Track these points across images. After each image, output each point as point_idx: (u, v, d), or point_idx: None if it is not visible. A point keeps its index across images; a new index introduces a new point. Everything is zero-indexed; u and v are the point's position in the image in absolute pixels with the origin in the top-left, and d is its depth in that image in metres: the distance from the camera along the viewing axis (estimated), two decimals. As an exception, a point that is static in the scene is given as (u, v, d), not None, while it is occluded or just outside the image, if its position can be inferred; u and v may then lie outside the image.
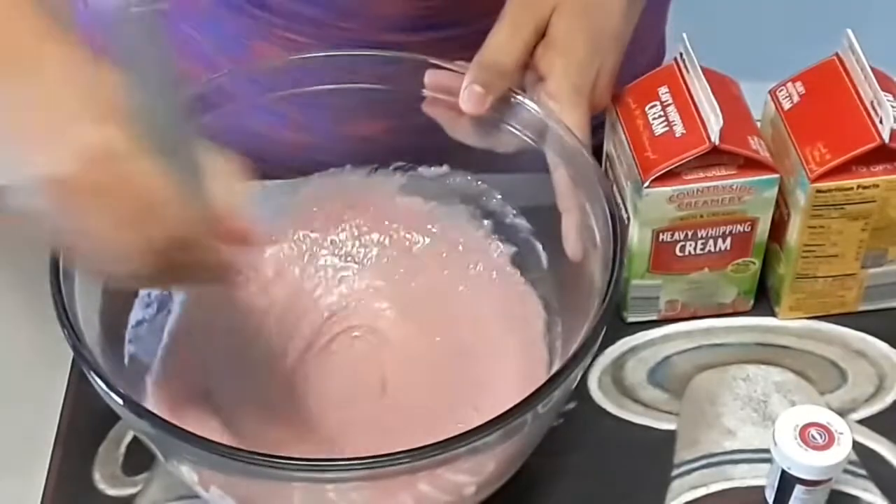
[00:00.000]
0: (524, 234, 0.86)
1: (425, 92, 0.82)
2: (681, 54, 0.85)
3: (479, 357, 0.83)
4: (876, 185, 0.82)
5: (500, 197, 0.87)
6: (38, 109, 0.62)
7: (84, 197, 0.61)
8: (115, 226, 0.62)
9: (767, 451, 0.77)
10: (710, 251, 0.85)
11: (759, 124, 0.86)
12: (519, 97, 0.80)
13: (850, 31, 0.84)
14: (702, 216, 0.83)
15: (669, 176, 0.81)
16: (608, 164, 0.88)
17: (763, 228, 0.84)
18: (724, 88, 0.84)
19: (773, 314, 0.90)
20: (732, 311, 0.89)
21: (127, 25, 0.59)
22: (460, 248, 0.88)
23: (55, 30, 0.64)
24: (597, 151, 0.85)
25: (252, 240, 0.68)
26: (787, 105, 0.85)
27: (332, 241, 0.88)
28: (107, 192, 0.61)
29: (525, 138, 0.81)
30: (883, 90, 0.81)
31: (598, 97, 0.81)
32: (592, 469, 0.82)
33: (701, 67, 0.83)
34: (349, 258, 0.88)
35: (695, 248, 0.84)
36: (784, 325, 0.89)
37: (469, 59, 0.80)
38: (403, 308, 0.86)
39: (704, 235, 0.84)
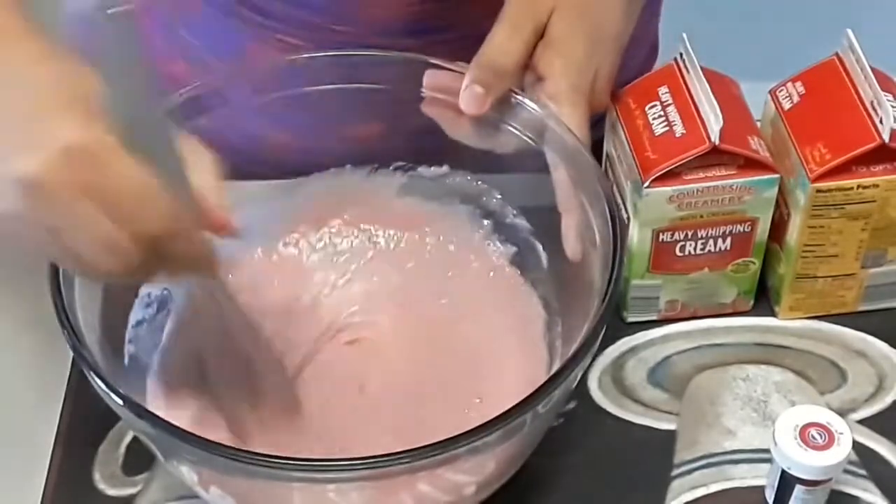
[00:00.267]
0: (524, 234, 0.86)
1: (424, 92, 0.82)
2: (681, 54, 0.85)
3: (479, 357, 0.83)
4: (876, 185, 0.82)
5: (500, 197, 0.87)
6: (16, 111, 0.62)
7: (66, 196, 0.61)
8: (99, 223, 0.62)
9: (767, 451, 0.77)
10: (710, 251, 0.85)
11: (759, 124, 0.86)
12: (519, 97, 0.80)
13: (850, 31, 0.84)
14: (702, 216, 0.83)
15: (669, 176, 0.81)
16: (608, 164, 0.88)
17: (763, 228, 0.84)
18: (724, 88, 0.84)
19: (773, 314, 0.90)
20: (732, 311, 0.89)
21: (101, 26, 0.59)
22: (460, 248, 0.88)
23: (33, 29, 0.65)
24: (597, 146, 0.85)
25: (232, 229, 0.69)
26: (787, 105, 0.85)
27: (331, 241, 0.88)
28: (89, 190, 0.61)
29: (525, 138, 0.81)
30: (883, 90, 0.81)
31: (597, 97, 0.81)
32: (592, 469, 0.82)
33: (701, 67, 0.83)
34: (349, 258, 0.88)
35: (695, 248, 0.84)
36: (784, 325, 0.89)
37: (465, 63, 0.80)
38: (403, 308, 0.86)
39: (704, 235, 0.84)
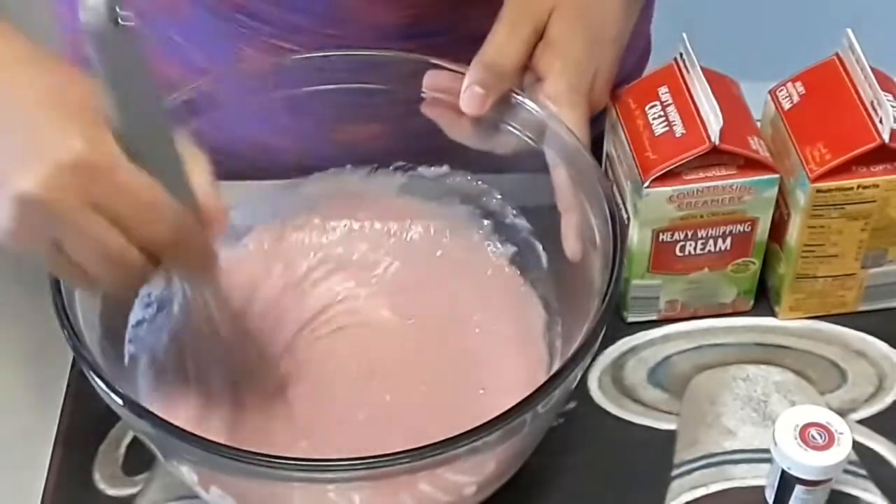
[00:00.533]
0: (524, 234, 0.86)
1: (425, 93, 0.82)
2: (681, 54, 0.85)
3: (479, 357, 0.83)
4: (876, 185, 0.82)
5: (499, 197, 0.87)
6: (17, 125, 0.62)
7: (72, 211, 0.61)
8: (107, 236, 0.62)
9: (767, 451, 0.77)
10: (710, 251, 0.85)
11: (759, 124, 0.86)
12: (519, 97, 0.80)
13: (850, 31, 0.84)
14: (702, 216, 0.83)
15: (669, 176, 0.81)
16: (608, 164, 0.88)
17: (763, 228, 0.84)
18: (724, 88, 0.84)
19: (773, 314, 0.90)
20: (732, 311, 0.89)
21: (109, 34, 0.59)
22: (460, 248, 0.88)
23: (28, 47, 0.65)
24: (597, 146, 0.85)
25: (224, 223, 0.69)
26: (787, 105, 0.85)
27: (331, 240, 0.88)
28: (96, 203, 0.61)
29: (525, 138, 0.81)
30: (883, 90, 0.81)
31: (596, 97, 0.81)
32: (592, 469, 0.82)
33: (701, 67, 0.83)
34: (348, 257, 0.88)
35: (695, 248, 0.84)
36: (784, 325, 0.89)
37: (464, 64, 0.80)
38: (402, 308, 0.86)
39: (704, 235, 0.84)
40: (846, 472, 0.79)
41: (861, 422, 0.84)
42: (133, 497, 0.80)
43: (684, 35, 0.84)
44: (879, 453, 0.83)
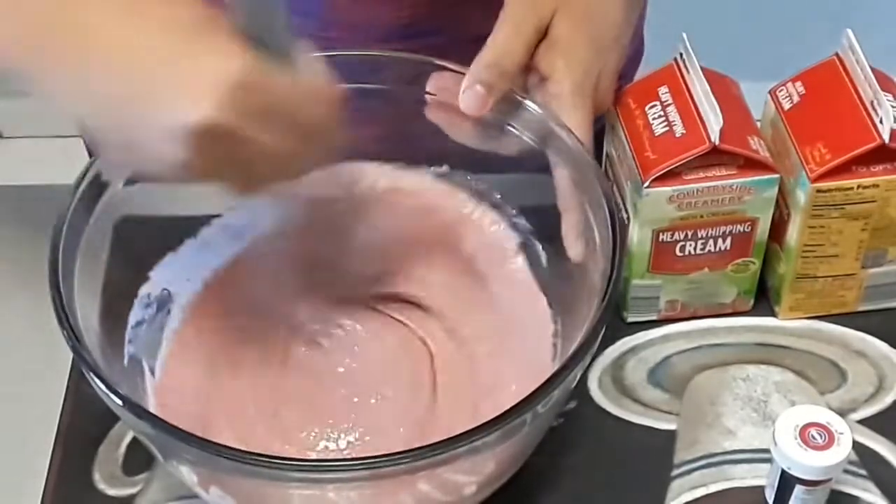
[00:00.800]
0: (524, 234, 0.86)
1: (429, 95, 0.81)
2: (681, 54, 0.85)
3: (479, 356, 0.83)
4: (876, 185, 0.82)
5: (499, 197, 0.87)
6: (163, 55, 0.62)
7: (248, 129, 0.62)
8: (286, 140, 0.64)
9: (767, 451, 0.77)
10: (710, 251, 0.85)
11: (759, 124, 0.86)
12: (520, 97, 0.80)
13: (850, 31, 0.84)
14: (702, 216, 0.83)
15: (669, 176, 0.81)
16: (608, 164, 0.88)
17: (763, 228, 0.85)
18: (724, 88, 0.84)
19: (773, 314, 0.90)
20: (732, 311, 0.89)
21: None
22: (460, 246, 0.88)
23: None
24: (597, 145, 0.85)
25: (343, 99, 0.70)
26: (787, 105, 0.85)
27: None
28: (265, 109, 0.63)
29: (526, 139, 0.81)
30: (883, 90, 0.81)
31: (600, 98, 0.81)
32: (592, 469, 0.82)
33: (701, 67, 0.83)
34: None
35: (695, 248, 0.84)
36: (784, 325, 0.89)
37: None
38: (402, 308, 0.86)
39: (704, 235, 0.84)
40: (846, 472, 0.79)
41: (861, 422, 0.84)
42: (133, 497, 0.80)
43: (684, 35, 0.84)
44: (879, 453, 0.83)
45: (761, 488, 0.80)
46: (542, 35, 0.79)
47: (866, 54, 0.83)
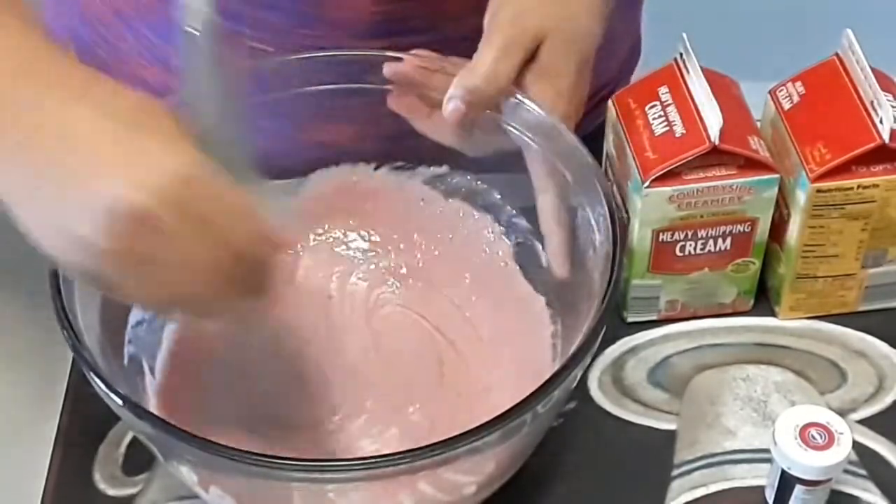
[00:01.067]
0: (523, 234, 0.86)
1: (389, 86, 0.82)
2: (681, 54, 0.85)
3: (479, 356, 0.83)
4: (876, 185, 0.82)
5: (499, 196, 0.87)
6: (115, 144, 0.61)
7: (179, 225, 0.60)
8: (209, 249, 0.62)
9: (767, 451, 0.77)
10: (710, 251, 0.85)
11: (759, 124, 0.86)
12: (518, 97, 0.80)
13: (850, 31, 0.84)
14: (702, 216, 0.83)
15: (669, 176, 0.81)
16: (608, 164, 0.88)
17: (763, 228, 0.85)
18: (724, 88, 0.84)
19: (773, 314, 0.90)
20: (732, 311, 0.89)
21: (205, 36, 0.59)
22: (460, 246, 0.88)
23: (89, 70, 0.65)
24: (597, 146, 0.85)
25: (286, 247, 0.69)
26: (787, 105, 0.85)
27: (330, 238, 0.88)
28: (199, 212, 0.61)
29: (526, 138, 0.81)
30: (883, 90, 0.81)
31: (579, 114, 0.81)
32: (592, 469, 0.82)
33: (701, 67, 0.83)
34: (347, 256, 0.88)
35: (695, 248, 0.84)
36: (784, 325, 0.89)
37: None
38: (402, 307, 0.86)
39: (704, 235, 0.84)
40: (846, 472, 0.79)
41: (861, 422, 0.84)
42: (133, 497, 0.80)
43: (684, 35, 0.84)
44: (879, 453, 0.83)
45: (761, 488, 0.80)
46: (530, 56, 0.78)
47: (866, 54, 0.83)
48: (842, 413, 0.80)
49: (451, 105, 0.78)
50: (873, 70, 0.82)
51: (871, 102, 0.82)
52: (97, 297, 0.75)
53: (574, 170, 0.78)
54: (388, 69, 0.81)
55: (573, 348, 0.71)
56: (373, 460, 0.65)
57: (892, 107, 0.80)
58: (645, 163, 0.81)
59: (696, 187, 0.81)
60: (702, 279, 0.86)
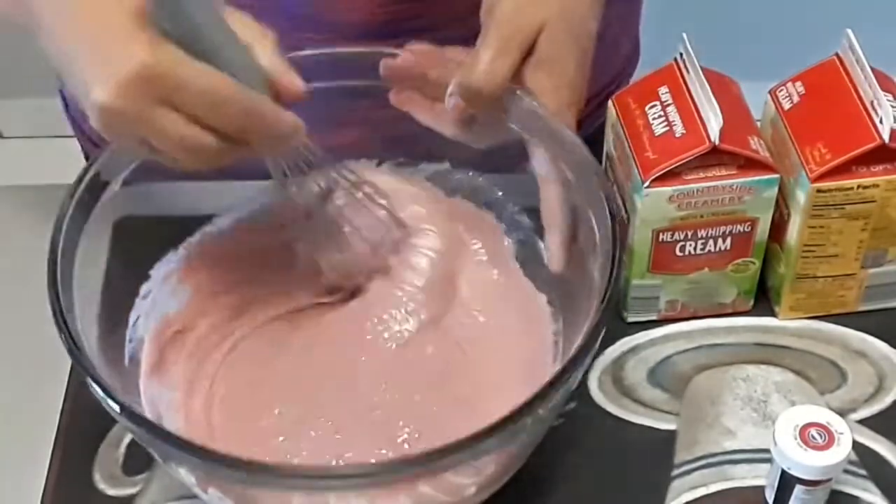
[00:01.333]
0: (525, 232, 0.86)
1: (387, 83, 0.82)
2: (681, 54, 0.85)
3: (479, 356, 0.83)
4: (876, 185, 0.82)
5: (501, 194, 0.87)
6: (85, 44, 0.66)
7: (144, 113, 0.65)
8: (180, 128, 0.66)
9: (767, 451, 0.77)
10: (710, 251, 0.85)
11: (759, 124, 0.86)
12: (519, 93, 0.79)
13: (850, 31, 0.84)
14: (702, 216, 0.83)
15: (669, 176, 0.81)
16: (608, 164, 0.88)
17: (763, 228, 0.85)
18: (724, 88, 0.84)
19: (773, 314, 0.90)
20: (732, 311, 0.89)
21: None
22: (460, 245, 0.88)
23: None
24: (597, 146, 0.85)
25: (301, 91, 0.73)
26: (787, 105, 0.85)
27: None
28: (165, 102, 0.65)
29: (527, 135, 0.81)
30: (883, 90, 0.81)
31: (581, 105, 0.81)
32: (592, 469, 0.82)
33: (701, 67, 0.83)
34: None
35: (695, 248, 0.84)
36: (784, 325, 0.89)
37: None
38: (402, 306, 0.86)
39: (704, 235, 0.84)
40: (846, 472, 0.79)
41: (861, 422, 0.84)
42: (133, 497, 0.80)
43: (684, 35, 0.84)
44: (879, 453, 0.83)
45: (761, 488, 0.80)
46: (528, 52, 0.78)
47: (866, 54, 0.83)
48: (842, 413, 0.80)
49: (451, 102, 0.79)
50: (873, 70, 0.82)
51: (871, 102, 0.82)
52: (97, 297, 0.75)
53: (575, 169, 0.78)
54: (383, 67, 0.81)
55: (573, 350, 0.71)
56: (373, 468, 0.65)
57: (892, 107, 0.80)
58: (645, 163, 0.81)
59: (696, 187, 0.81)
60: (702, 279, 0.86)
